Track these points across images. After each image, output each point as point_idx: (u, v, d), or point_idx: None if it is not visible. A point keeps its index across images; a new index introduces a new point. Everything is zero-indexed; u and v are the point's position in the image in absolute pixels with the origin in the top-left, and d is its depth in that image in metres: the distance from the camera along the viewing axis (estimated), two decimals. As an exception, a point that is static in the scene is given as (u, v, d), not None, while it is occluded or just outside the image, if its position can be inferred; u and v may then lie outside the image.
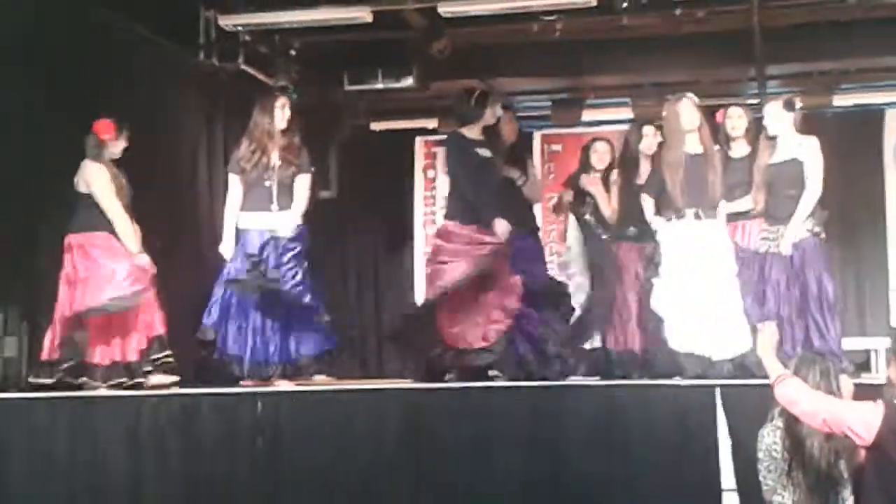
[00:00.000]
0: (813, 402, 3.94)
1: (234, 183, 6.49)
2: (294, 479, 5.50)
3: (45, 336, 6.24)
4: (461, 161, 6.49)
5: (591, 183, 7.06)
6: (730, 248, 6.16)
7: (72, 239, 6.30)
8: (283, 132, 6.48)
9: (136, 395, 5.95)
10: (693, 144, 6.27)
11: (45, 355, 6.19)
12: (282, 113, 6.47)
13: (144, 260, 6.31)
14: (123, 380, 6.21)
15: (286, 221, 6.36)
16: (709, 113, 6.63)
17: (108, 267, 6.20)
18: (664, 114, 6.42)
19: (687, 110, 6.27)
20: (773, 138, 6.20)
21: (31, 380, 6.19)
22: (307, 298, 6.36)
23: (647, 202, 6.39)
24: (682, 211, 6.17)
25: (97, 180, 6.31)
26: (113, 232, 6.30)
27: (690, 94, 6.38)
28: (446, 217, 6.59)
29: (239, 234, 6.42)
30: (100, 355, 6.24)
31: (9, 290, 6.47)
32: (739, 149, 6.59)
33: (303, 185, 6.49)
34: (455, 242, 6.38)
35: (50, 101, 6.61)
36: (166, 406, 5.71)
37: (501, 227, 6.33)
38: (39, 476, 5.63)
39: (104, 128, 6.42)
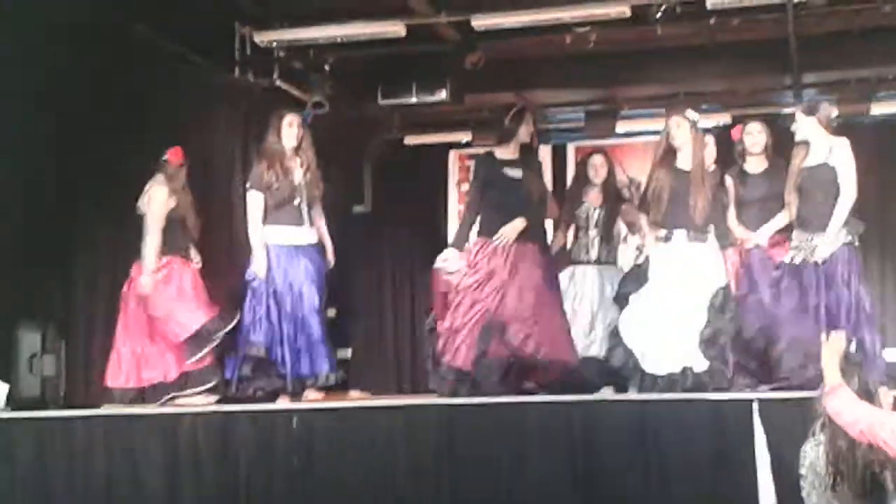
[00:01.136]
0: (855, 412, 3.91)
1: (257, 199, 6.43)
2: (329, 494, 5.50)
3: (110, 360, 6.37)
4: (484, 184, 6.45)
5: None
6: (717, 273, 6.06)
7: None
8: (296, 150, 6.49)
9: (173, 412, 5.99)
10: (685, 161, 6.16)
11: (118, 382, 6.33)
12: (290, 131, 6.46)
13: (143, 281, 6.36)
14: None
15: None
16: (747, 122, 6.59)
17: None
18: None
19: (673, 126, 6.16)
20: (805, 143, 6.13)
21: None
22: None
23: (643, 218, 6.32)
24: (670, 232, 6.11)
25: (153, 201, 6.42)
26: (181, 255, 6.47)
27: (689, 111, 6.26)
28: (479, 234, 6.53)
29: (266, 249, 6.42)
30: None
31: (47, 308, 6.53)
32: (757, 164, 6.54)
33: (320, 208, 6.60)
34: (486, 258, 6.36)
35: (89, 121, 6.68)
36: (203, 422, 5.73)
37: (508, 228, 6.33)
38: (78, 493, 5.68)
39: (176, 155, 6.53)
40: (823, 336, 4.27)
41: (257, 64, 8.35)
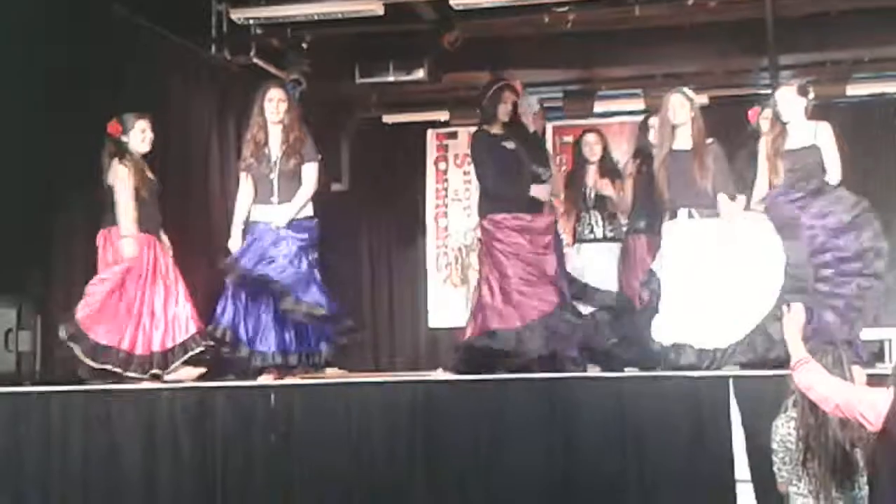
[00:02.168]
0: (828, 387, 3.92)
1: (243, 179, 6.50)
2: (307, 471, 5.50)
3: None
4: (490, 158, 6.52)
5: (604, 187, 7.10)
6: (736, 242, 5.98)
7: (104, 232, 6.40)
8: (281, 124, 6.46)
9: (151, 388, 5.97)
10: (683, 140, 6.18)
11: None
12: (273, 105, 6.42)
13: (126, 245, 6.28)
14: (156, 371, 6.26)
15: (282, 213, 6.36)
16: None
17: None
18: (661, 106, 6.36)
19: (676, 104, 6.17)
20: (786, 124, 6.16)
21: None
22: (302, 292, 6.30)
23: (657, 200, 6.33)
24: (675, 211, 6.11)
25: (116, 177, 6.37)
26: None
27: (685, 89, 6.29)
28: (489, 213, 6.51)
29: (249, 226, 6.43)
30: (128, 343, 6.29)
31: (23, 284, 6.49)
32: None
33: (307, 173, 6.44)
34: (510, 235, 6.39)
35: (64, 97, 6.63)
36: (181, 399, 5.72)
37: (542, 191, 6.50)
38: (54, 468, 5.65)
39: (110, 126, 6.48)
40: (784, 308, 4.27)
41: (234, 41, 8.33)
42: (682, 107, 6.17)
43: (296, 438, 5.56)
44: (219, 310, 6.34)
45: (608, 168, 7.24)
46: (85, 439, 5.65)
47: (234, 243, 6.43)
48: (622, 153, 8.37)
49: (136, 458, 5.60)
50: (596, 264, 7.05)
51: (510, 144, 6.55)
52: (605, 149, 7.29)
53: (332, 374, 6.51)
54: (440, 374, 6.34)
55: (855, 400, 3.85)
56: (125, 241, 6.28)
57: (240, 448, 5.60)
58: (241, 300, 6.34)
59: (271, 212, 6.39)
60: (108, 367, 6.12)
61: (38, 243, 6.60)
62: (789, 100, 6.13)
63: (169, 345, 6.31)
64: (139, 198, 6.38)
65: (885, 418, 3.74)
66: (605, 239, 7.14)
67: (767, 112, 6.60)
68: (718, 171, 6.11)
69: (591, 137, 7.30)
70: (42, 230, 6.63)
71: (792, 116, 6.12)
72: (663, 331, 5.95)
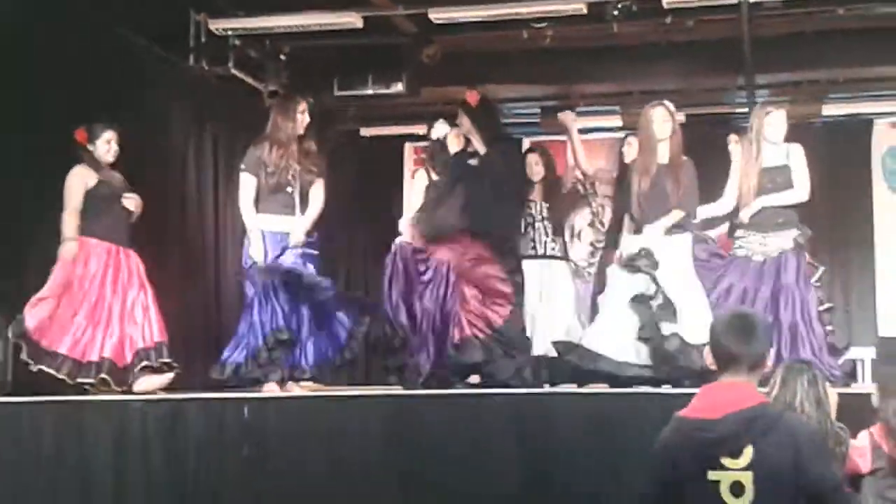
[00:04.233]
0: None
1: (251, 183, 6.38)
2: (280, 485, 5.47)
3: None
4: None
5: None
6: (688, 264, 6.09)
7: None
8: (300, 138, 6.45)
9: (123, 399, 5.94)
10: (661, 154, 6.22)
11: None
12: (303, 119, 6.46)
13: (65, 248, 6.32)
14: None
15: (298, 228, 6.39)
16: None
17: None
18: (640, 120, 6.38)
19: (660, 118, 6.22)
20: (773, 144, 6.20)
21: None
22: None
23: (626, 216, 6.38)
24: (641, 226, 6.15)
25: (67, 182, 6.41)
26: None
27: (667, 103, 6.34)
28: None
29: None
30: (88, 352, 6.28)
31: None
32: None
33: (319, 190, 6.53)
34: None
35: (38, 106, 6.58)
36: (153, 410, 5.68)
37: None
38: (25, 479, 5.60)
39: (77, 134, 6.50)
40: None
41: (212, 52, 8.27)
42: (665, 121, 6.20)
43: (270, 451, 5.53)
44: (275, 317, 6.28)
45: (553, 186, 7.23)
46: (56, 450, 5.60)
47: (257, 250, 6.31)
48: (598, 169, 8.41)
49: (107, 469, 5.56)
50: (531, 282, 6.97)
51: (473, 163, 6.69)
52: (548, 167, 7.24)
53: (307, 388, 6.48)
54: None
55: None
56: (67, 244, 6.28)
57: (213, 459, 5.56)
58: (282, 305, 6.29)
59: (289, 224, 6.37)
60: (52, 371, 6.13)
61: (11, 255, 6.55)
62: (779, 124, 6.18)
63: (128, 353, 6.28)
64: (96, 204, 6.37)
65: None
66: (545, 256, 7.09)
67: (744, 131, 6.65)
68: (688, 189, 6.15)
69: (531, 158, 7.27)
70: (15, 242, 6.57)
71: (777, 138, 6.18)
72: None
